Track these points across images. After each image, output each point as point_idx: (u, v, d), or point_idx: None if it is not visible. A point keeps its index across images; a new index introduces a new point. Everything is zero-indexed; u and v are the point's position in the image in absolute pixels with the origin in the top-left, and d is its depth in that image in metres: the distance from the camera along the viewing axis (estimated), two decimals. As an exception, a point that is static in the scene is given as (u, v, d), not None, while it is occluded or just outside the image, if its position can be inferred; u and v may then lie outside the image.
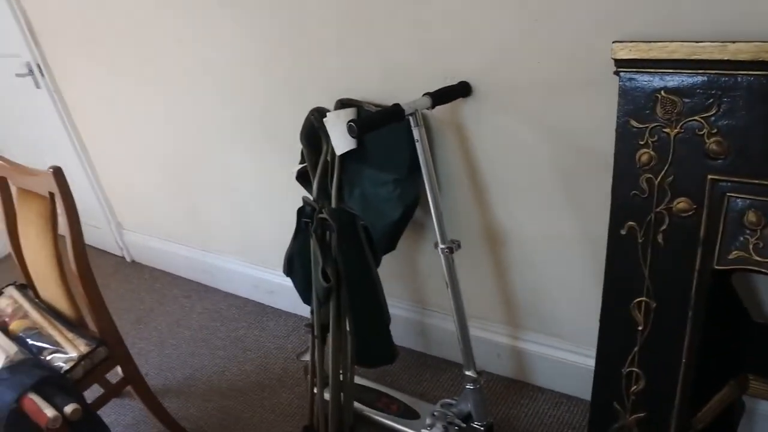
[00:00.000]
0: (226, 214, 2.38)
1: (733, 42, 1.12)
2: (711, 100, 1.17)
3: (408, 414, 1.81)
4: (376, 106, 1.61)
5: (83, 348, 1.62)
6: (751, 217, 1.18)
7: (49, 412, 1.40)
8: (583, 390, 1.75)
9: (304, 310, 2.33)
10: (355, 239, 1.64)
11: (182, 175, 2.41)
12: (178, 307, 2.59)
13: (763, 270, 1.17)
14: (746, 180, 1.17)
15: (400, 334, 1.99)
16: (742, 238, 1.19)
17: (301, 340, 2.28)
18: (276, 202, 2.17)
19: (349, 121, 1.29)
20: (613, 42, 1.22)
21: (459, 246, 1.49)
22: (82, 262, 1.60)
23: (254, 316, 2.45)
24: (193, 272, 2.72)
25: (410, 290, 1.99)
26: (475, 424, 1.63)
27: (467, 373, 1.58)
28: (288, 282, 2.29)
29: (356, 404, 1.85)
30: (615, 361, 1.39)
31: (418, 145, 1.41)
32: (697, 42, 1.15)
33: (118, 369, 1.77)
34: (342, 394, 1.78)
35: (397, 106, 1.34)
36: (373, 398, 1.88)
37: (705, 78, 1.16)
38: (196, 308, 2.56)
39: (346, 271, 1.64)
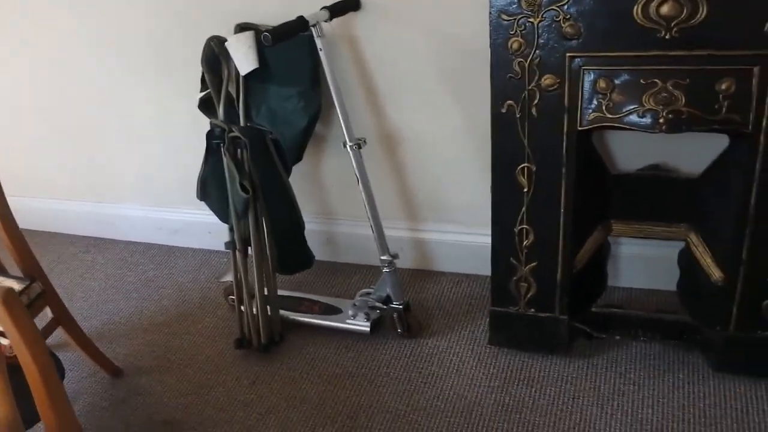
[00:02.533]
0: (121, 160, 2.42)
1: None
2: (563, -10, 1.43)
3: (331, 311, 2.01)
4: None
5: (17, 286, 1.67)
6: (602, 83, 1.47)
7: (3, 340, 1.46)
8: (479, 266, 2.03)
9: (212, 244, 2.46)
10: (266, 153, 1.79)
11: (68, 125, 2.41)
12: (78, 263, 2.60)
13: (614, 124, 1.48)
14: (595, 54, 1.46)
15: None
16: (596, 102, 1.48)
17: (214, 269, 2.40)
18: (174, 139, 2.25)
19: (264, 32, 1.44)
20: (481, -53, 1.46)
21: (365, 142, 1.69)
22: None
23: (161, 257, 2.53)
24: (87, 226, 2.71)
25: (315, 203, 2.17)
26: (395, 304, 1.87)
27: (383, 257, 1.81)
28: (193, 218, 2.41)
29: (282, 312, 2.02)
30: (508, 222, 1.66)
31: (321, 54, 1.59)
32: (547, -57, 1.41)
33: (48, 312, 1.82)
34: (268, 305, 1.94)
35: (301, 18, 1.51)
36: (295, 304, 2.06)
37: (558, -28, 1.43)
38: (98, 260, 2.59)
39: (261, 183, 1.80)
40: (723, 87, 1.40)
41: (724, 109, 1.42)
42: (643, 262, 1.90)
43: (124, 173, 2.47)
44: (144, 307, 2.29)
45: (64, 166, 2.56)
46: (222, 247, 2.40)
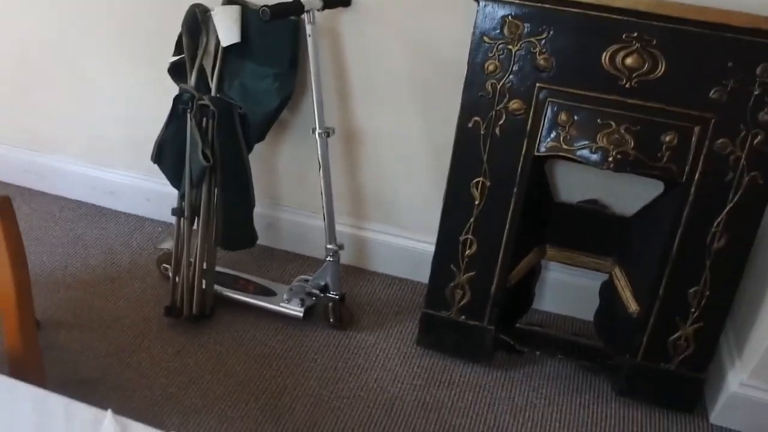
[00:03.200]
0: (64, 111, 2.36)
1: (560, -15, 1.51)
2: (543, 26, 1.55)
3: (265, 292, 2.04)
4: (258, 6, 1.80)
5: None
6: (563, 116, 1.60)
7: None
8: (413, 272, 2.12)
9: (148, 212, 2.44)
10: (232, 126, 1.81)
11: (23, 69, 2.33)
12: (-1, 209, 2.49)
13: (569, 155, 1.61)
14: (562, 89, 1.59)
15: (250, 229, 2.19)
16: (555, 132, 1.61)
17: (147, 236, 2.37)
18: (127, 101, 2.23)
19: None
20: (476, -25, 1.56)
21: (334, 132, 1.76)
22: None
23: (91, 217, 2.47)
24: (15, 174, 2.61)
25: (264, 186, 2.20)
26: (331, 294, 1.92)
27: (329, 246, 1.86)
28: (132, 182, 2.38)
29: (216, 287, 2.02)
30: (455, 230, 1.76)
31: (309, 40, 1.65)
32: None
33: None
34: (204, 277, 1.95)
35: (298, 1, 1.57)
36: (230, 280, 2.08)
37: (541, 11, 1.54)
38: (23, 210, 2.50)
39: (222, 155, 1.81)
40: (667, 139, 1.56)
41: (665, 158, 1.58)
42: (566, 290, 2.04)
43: (66, 126, 2.40)
44: (69, 264, 2.23)
45: (1, 107, 2.47)
46: (157, 216, 2.41)
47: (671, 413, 1.80)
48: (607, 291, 1.87)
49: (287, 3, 1.56)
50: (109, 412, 0.80)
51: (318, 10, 1.65)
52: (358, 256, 2.20)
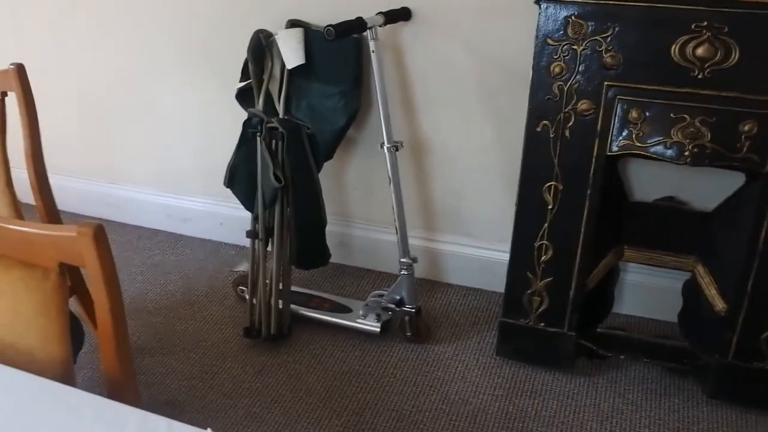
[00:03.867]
0: (142, 143, 2.45)
1: (624, -20, 1.49)
2: (608, 24, 1.53)
3: (341, 309, 2.05)
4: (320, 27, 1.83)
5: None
6: (634, 113, 1.56)
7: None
8: (488, 282, 2.10)
9: (222, 236, 2.50)
10: (301, 146, 1.84)
11: (96, 104, 2.43)
12: (81, 242, 2.60)
13: (642, 153, 1.57)
14: (631, 85, 1.55)
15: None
16: (626, 131, 1.58)
17: (223, 260, 2.43)
18: (194, 128, 2.30)
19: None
20: (536, -22, 1.55)
21: (402, 145, 1.77)
22: (40, 167, 1.66)
23: (168, 244, 2.55)
24: (94, 207, 2.71)
25: (334, 204, 2.22)
26: (407, 307, 1.92)
27: (403, 259, 1.87)
28: (205, 207, 2.45)
29: (292, 306, 2.05)
30: (529, 237, 1.73)
31: (373, 56, 1.67)
32: (597, -21, 1.51)
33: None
34: (281, 297, 1.98)
35: (360, 19, 1.59)
36: (306, 300, 2.10)
37: (603, 8, 1.52)
38: (103, 241, 2.59)
39: (293, 176, 1.84)
40: (746, 128, 1.51)
41: (745, 149, 1.52)
42: (646, 291, 1.99)
43: (139, 156, 2.50)
44: (149, 291, 2.30)
45: (77, 143, 2.58)
46: (231, 240, 2.46)
47: (767, 414, 1.73)
48: (691, 290, 1.81)
49: (350, 21, 1.58)
50: (209, 431, 0.81)
51: (380, 26, 1.67)
52: (432, 269, 2.20)
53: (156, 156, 2.46)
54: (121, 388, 1.12)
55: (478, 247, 2.09)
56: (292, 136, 1.81)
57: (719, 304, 1.70)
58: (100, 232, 0.90)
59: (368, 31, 1.63)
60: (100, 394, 0.96)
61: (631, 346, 1.85)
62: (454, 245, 2.13)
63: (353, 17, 1.67)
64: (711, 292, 1.73)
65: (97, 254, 0.92)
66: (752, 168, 1.55)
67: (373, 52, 1.66)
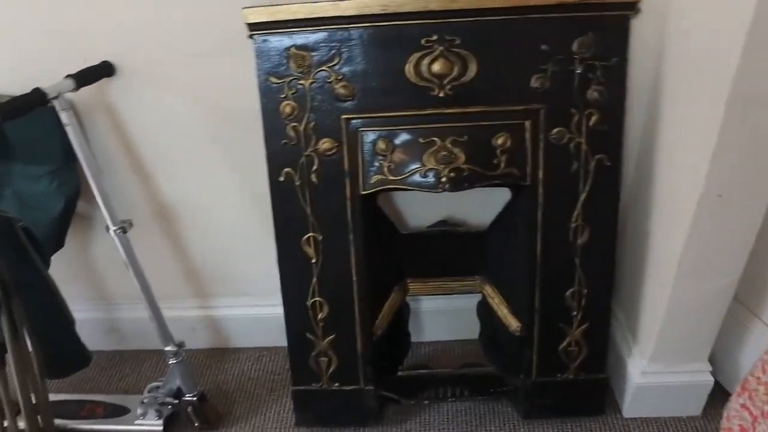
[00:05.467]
0: None
1: (343, 0, 1.31)
2: (333, 51, 1.35)
3: (117, 412, 1.75)
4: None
5: None
6: (381, 145, 1.40)
7: None
8: (277, 339, 1.87)
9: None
10: (17, 244, 1.52)
11: None
12: None
13: (399, 186, 1.41)
14: (371, 115, 1.39)
15: (87, 338, 1.89)
16: (377, 164, 1.42)
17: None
18: None
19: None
20: (243, 8, 1.33)
21: (131, 225, 1.49)
22: None
23: None
24: None
25: (90, 289, 1.91)
26: (187, 397, 1.67)
27: (167, 348, 1.60)
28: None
29: (58, 421, 1.73)
30: (299, 296, 1.54)
31: (68, 129, 1.37)
32: (314, 2, 1.31)
33: None
34: (39, 416, 1.65)
35: (37, 90, 1.29)
36: (75, 409, 1.78)
37: (326, 33, 1.34)
38: None
39: (15, 281, 1.52)
40: (499, 142, 1.40)
41: (502, 164, 1.41)
42: (445, 316, 1.87)
43: None
44: None
45: None
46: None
47: (584, 420, 1.66)
48: (485, 311, 1.71)
49: (22, 97, 1.28)
50: None
51: (72, 91, 1.38)
52: (217, 337, 1.95)
53: None
54: None
55: (258, 305, 1.87)
56: (3, 236, 1.49)
57: (513, 324, 1.60)
58: None
59: (54, 101, 1.34)
60: None
61: (436, 384, 1.71)
62: (234, 308, 1.89)
63: (40, 83, 1.37)
64: (503, 312, 1.63)
65: None
66: (514, 183, 1.44)
67: (66, 125, 1.36)
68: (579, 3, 1.31)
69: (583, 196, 1.45)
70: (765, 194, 1.28)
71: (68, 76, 1.39)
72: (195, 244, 1.77)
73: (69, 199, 1.56)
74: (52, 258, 1.63)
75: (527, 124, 1.39)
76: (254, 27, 1.35)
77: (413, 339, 1.81)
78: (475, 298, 1.74)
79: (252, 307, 1.88)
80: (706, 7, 1.20)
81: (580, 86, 1.37)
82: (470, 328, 1.80)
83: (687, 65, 1.30)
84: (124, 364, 1.98)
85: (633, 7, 1.33)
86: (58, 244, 1.62)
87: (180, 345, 1.61)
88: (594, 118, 1.39)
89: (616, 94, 1.38)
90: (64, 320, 1.64)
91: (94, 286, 1.91)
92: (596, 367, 1.62)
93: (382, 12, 1.31)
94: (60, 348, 1.66)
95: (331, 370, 1.61)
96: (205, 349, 1.97)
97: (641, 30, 1.37)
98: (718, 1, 1.16)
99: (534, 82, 1.36)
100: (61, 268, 1.80)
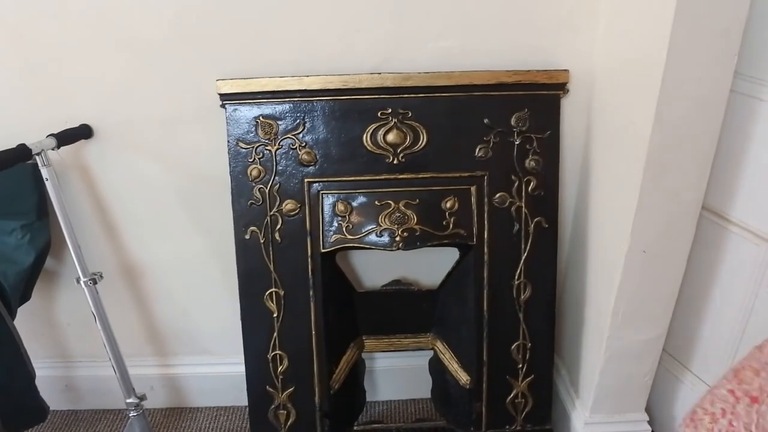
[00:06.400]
0: None
1: (307, 76, 1.46)
2: (298, 120, 1.49)
3: (71, 470, 1.76)
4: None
5: None
6: (340, 206, 1.53)
7: None
8: (237, 397, 1.93)
9: None
10: (-15, 297, 1.57)
11: None
12: None
13: (356, 244, 1.53)
14: (332, 179, 1.52)
15: (43, 396, 1.92)
16: (336, 224, 1.54)
17: None
18: None
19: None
20: (217, 80, 1.47)
21: (101, 277, 1.56)
22: None
23: None
24: None
25: (48, 346, 1.93)
26: (145, 453, 1.69)
27: (129, 400, 1.64)
28: None
29: (8, 480, 1.72)
30: (260, 349, 1.61)
31: (48, 184, 1.45)
32: (282, 77, 1.46)
33: None
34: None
35: (23, 146, 1.38)
36: (28, 468, 1.78)
37: (291, 104, 1.49)
38: None
39: (-21, 333, 1.56)
40: (448, 205, 1.54)
41: (451, 225, 1.55)
42: (398, 374, 1.95)
43: None
44: None
45: None
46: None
47: (532, 473, 1.74)
48: (436, 367, 1.79)
49: (8, 151, 1.37)
50: None
51: (53, 150, 1.47)
52: (175, 396, 1.98)
53: None
54: None
55: (217, 363, 1.92)
56: (-31, 287, 1.54)
57: (463, 378, 1.69)
58: None
59: (37, 157, 1.43)
60: None
61: (389, 437, 1.79)
62: (193, 366, 1.93)
63: (21, 141, 1.46)
64: (453, 366, 1.72)
65: None
66: (462, 242, 1.57)
67: (47, 180, 1.45)
68: (515, 83, 1.48)
69: (524, 255, 1.59)
70: (685, 249, 1.44)
71: (51, 135, 1.48)
72: (159, 302, 1.83)
73: (40, 252, 1.62)
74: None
75: (473, 189, 1.54)
76: (226, 97, 1.49)
77: (368, 398, 1.88)
78: (427, 356, 1.83)
79: (210, 366, 1.92)
80: (623, 85, 1.39)
81: (519, 156, 1.54)
82: (423, 387, 1.88)
83: (610, 137, 1.47)
84: (78, 425, 1.98)
85: (562, 88, 1.51)
86: (25, 296, 1.66)
87: (141, 397, 1.65)
88: (532, 184, 1.55)
89: (551, 162, 1.55)
90: (26, 373, 1.67)
91: (53, 342, 1.93)
92: (542, 419, 1.72)
93: (343, 87, 1.47)
94: (19, 401, 1.68)
95: (289, 423, 1.66)
96: (163, 408, 1.99)
97: (571, 106, 1.56)
98: (632, 80, 1.34)
99: (478, 152, 1.52)
100: (20, 323, 1.83)
